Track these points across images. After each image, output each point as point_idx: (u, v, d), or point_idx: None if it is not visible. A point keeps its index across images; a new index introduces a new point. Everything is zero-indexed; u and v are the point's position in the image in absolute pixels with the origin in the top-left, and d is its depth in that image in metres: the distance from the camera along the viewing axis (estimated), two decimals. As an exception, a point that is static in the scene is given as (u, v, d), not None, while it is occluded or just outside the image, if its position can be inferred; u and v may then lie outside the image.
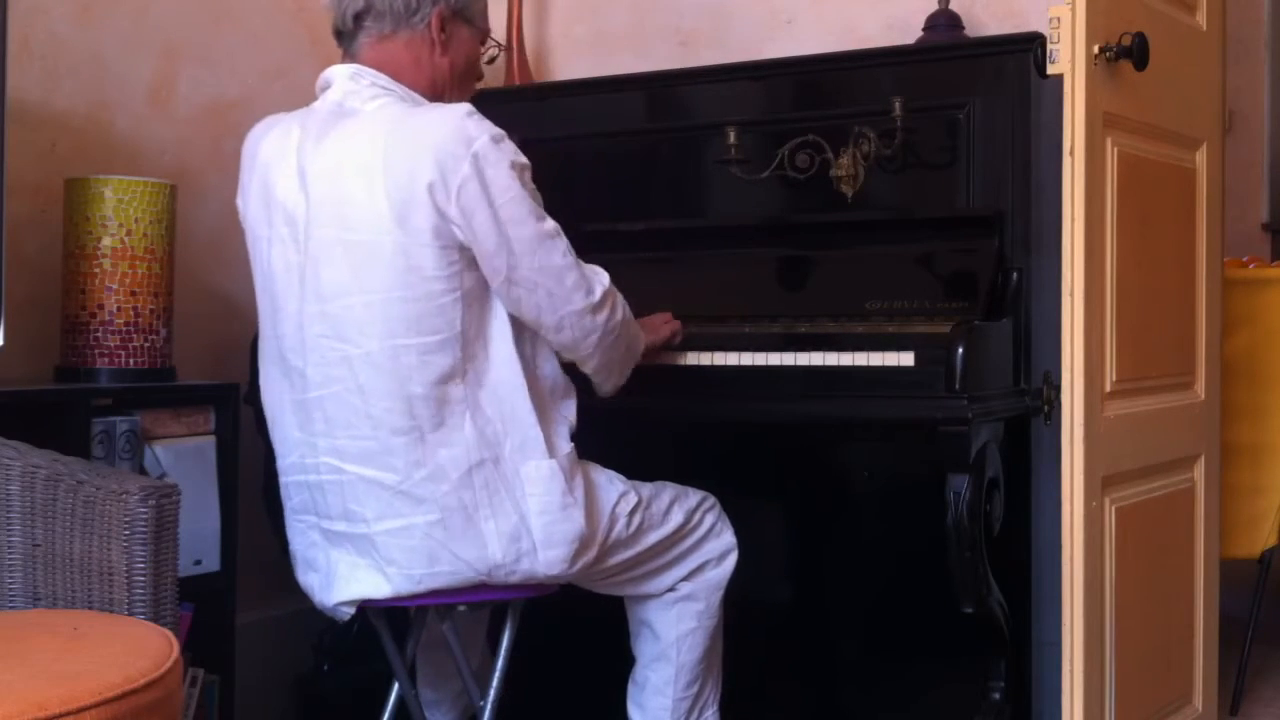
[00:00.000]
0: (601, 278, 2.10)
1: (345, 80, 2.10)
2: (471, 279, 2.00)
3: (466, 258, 1.99)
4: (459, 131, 1.97)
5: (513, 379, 2.04)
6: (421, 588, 2.06)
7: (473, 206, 1.96)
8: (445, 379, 1.99)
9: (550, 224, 2.03)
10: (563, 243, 2.04)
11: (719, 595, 2.32)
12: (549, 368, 2.12)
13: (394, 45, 2.11)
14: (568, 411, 2.15)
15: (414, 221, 1.95)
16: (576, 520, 2.06)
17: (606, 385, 2.21)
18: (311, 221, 2.03)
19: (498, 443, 2.02)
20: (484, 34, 2.24)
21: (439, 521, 2.02)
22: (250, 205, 2.14)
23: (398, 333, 1.98)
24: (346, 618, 2.15)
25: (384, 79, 2.09)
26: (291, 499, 2.15)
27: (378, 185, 1.96)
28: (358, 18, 2.11)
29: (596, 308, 2.07)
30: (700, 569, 2.29)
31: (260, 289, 2.15)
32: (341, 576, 2.10)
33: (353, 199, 1.99)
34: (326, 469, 2.07)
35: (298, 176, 2.05)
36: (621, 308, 2.14)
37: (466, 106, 2.02)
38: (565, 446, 2.10)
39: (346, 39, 2.14)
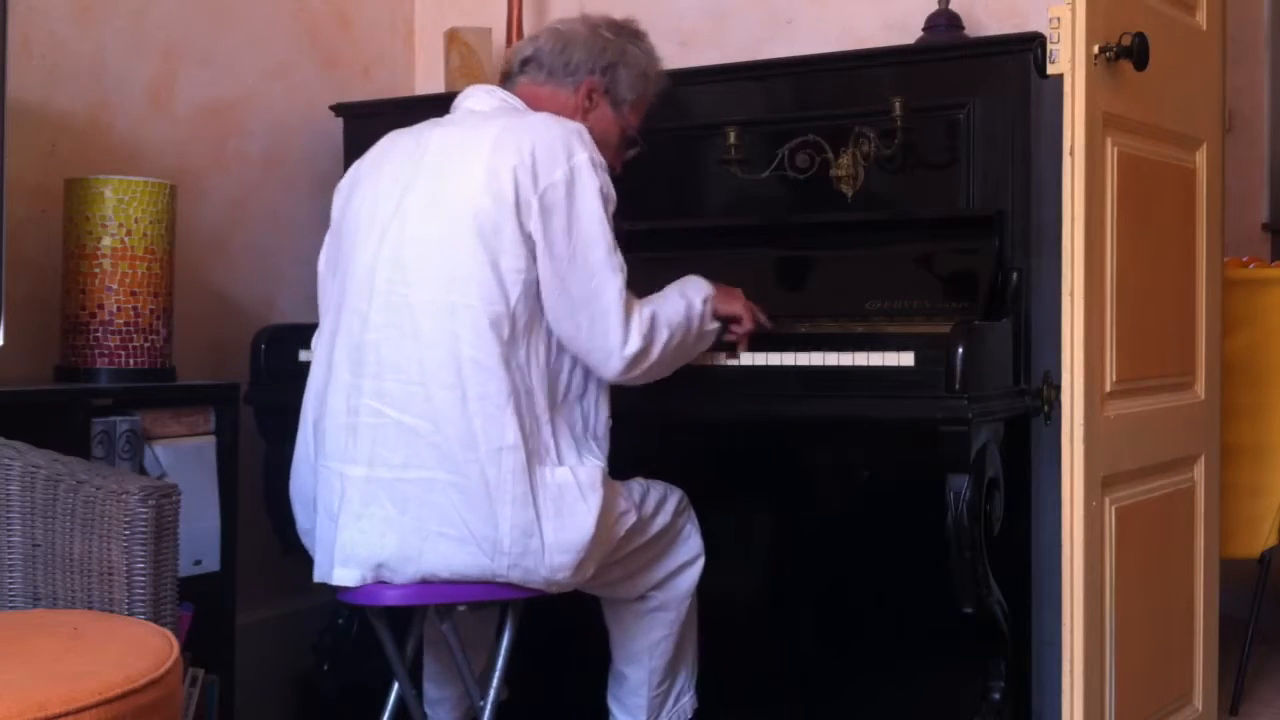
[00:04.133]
0: (641, 340, 2.12)
1: (481, 94, 2.31)
2: (535, 275, 2.09)
3: (532, 249, 2.08)
4: (565, 140, 2.12)
5: (541, 392, 2.09)
6: (428, 546, 2.06)
7: (554, 207, 2.08)
8: (495, 355, 2.04)
9: (619, 259, 2.12)
10: (620, 281, 2.11)
11: (688, 603, 2.36)
12: (590, 404, 2.18)
13: (544, 91, 2.31)
14: (598, 446, 2.19)
15: (500, 194, 2.07)
16: (586, 532, 2.08)
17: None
18: (411, 182, 2.14)
19: (530, 437, 2.06)
20: (626, 125, 2.37)
21: (460, 486, 2.05)
22: (360, 176, 2.26)
23: (460, 290, 2.06)
24: (347, 584, 2.14)
25: (513, 98, 2.29)
26: (326, 444, 2.17)
27: (479, 158, 2.10)
28: (524, 63, 2.33)
29: (624, 360, 2.12)
30: (671, 576, 2.34)
31: (331, 244, 2.28)
32: (345, 528, 2.11)
33: (456, 167, 2.13)
34: (367, 411, 2.11)
35: (413, 154, 2.18)
36: (648, 362, 2.15)
37: (579, 126, 2.17)
38: (586, 462, 2.13)
39: (508, 81, 2.35)
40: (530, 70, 2.32)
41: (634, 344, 2.12)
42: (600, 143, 2.25)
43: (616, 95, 2.35)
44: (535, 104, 2.28)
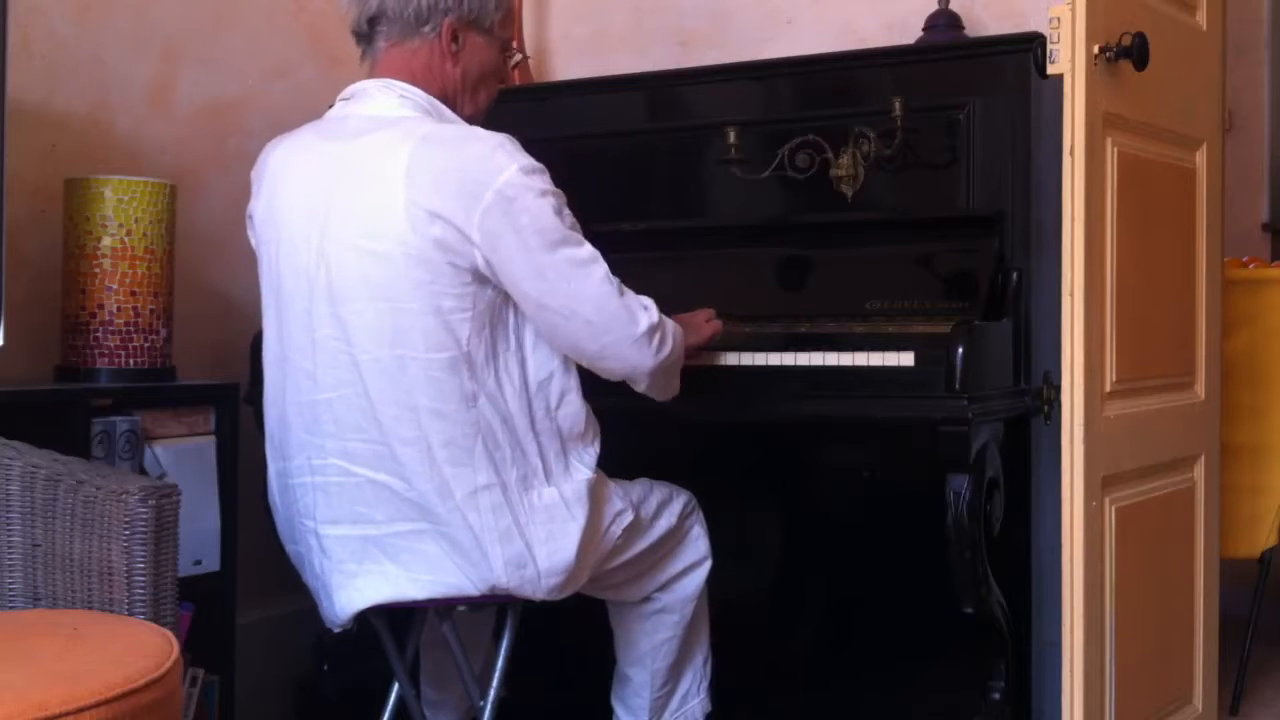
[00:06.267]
0: (650, 312, 2.06)
1: (376, 92, 2.11)
2: (484, 304, 1.99)
3: (479, 280, 1.98)
4: (487, 161, 1.97)
5: (522, 415, 2.03)
6: (423, 595, 2.06)
7: (497, 230, 1.95)
8: (454, 400, 1.98)
9: (586, 251, 2.01)
10: (600, 270, 2.01)
11: (693, 605, 2.34)
12: (569, 410, 2.09)
13: (406, 51, 2.13)
14: (586, 451, 2.12)
15: (429, 235, 1.95)
16: (573, 549, 2.06)
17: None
18: (328, 225, 2.02)
19: (504, 470, 2.01)
20: (503, 41, 2.23)
21: (445, 534, 2.01)
22: (259, 209, 2.15)
23: (405, 343, 1.97)
24: (343, 629, 2.15)
25: (411, 90, 2.11)
26: (296, 501, 2.13)
27: (398, 195, 1.95)
28: (372, 21, 2.13)
29: (641, 340, 2.04)
30: (675, 579, 2.32)
31: (266, 291, 2.15)
32: (340, 589, 2.10)
33: (372, 205, 1.98)
34: (334, 470, 2.05)
35: (317, 181, 2.05)
36: (671, 338, 2.10)
37: (500, 137, 2.01)
38: (577, 475, 2.09)
39: (363, 40, 2.16)
40: (382, 29, 2.12)
41: (643, 320, 2.03)
42: (482, 75, 2.17)
43: (482, 22, 2.15)
44: (409, 70, 2.10)
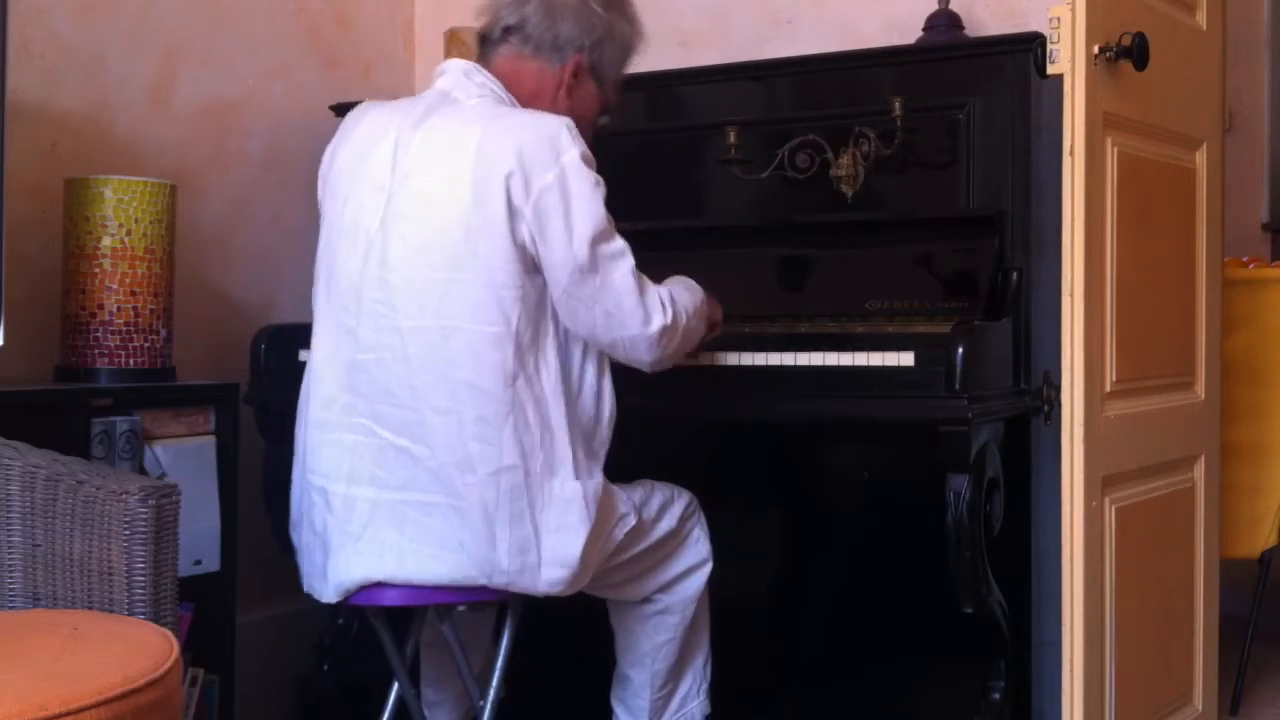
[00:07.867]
0: (665, 312, 2.11)
1: (458, 74, 2.19)
2: (535, 287, 2.05)
3: (531, 260, 2.04)
4: (554, 139, 2.04)
5: (557, 402, 2.07)
6: (424, 571, 2.06)
7: (549, 212, 2.02)
8: (493, 376, 2.01)
9: (618, 244, 2.08)
10: (626, 265, 2.07)
11: (694, 607, 2.35)
12: (592, 406, 2.13)
13: (527, 67, 2.21)
14: (600, 450, 2.16)
15: (491, 208, 2.01)
16: (581, 545, 2.07)
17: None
18: (395, 193, 2.08)
19: (531, 454, 2.04)
20: (607, 100, 2.29)
21: (458, 509, 2.03)
22: (336, 165, 2.19)
23: (452, 314, 2.02)
24: (336, 602, 2.15)
25: (494, 82, 2.18)
26: (310, 458, 2.15)
27: (464, 168, 2.02)
28: (507, 30, 2.21)
29: (651, 339, 2.10)
30: (677, 580, 2.33)
31: (323, 247, 2.19)
32: (340, 549, 2.10)
33: (438, 178, 2.05)
34: (361, 429, 2.09)
35: (392, 150, 2.11)
36: (680, 336, 2.15)
37: (566, 120, 2.08)
38: (595, 475, 2.11)
39: (489, 46, 2.23)
40: (514, 40, 2.20)
41: (658, 319, 2.09)
42: (579, 118, 2.22)
43: (601, 73, 2.25)
44: (518, 80, 2.19)
